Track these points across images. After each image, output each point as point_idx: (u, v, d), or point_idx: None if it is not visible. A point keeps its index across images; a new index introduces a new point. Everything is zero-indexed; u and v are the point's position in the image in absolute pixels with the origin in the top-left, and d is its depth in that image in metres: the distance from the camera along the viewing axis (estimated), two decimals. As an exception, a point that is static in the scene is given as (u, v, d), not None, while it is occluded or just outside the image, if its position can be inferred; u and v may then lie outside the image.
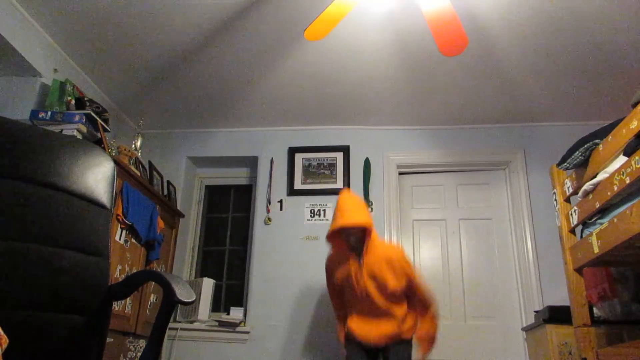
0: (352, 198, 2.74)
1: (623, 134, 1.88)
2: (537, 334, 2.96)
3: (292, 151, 4.00)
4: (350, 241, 2.65)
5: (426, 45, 2.97)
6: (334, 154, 3.95)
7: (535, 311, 3.17)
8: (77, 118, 2.79)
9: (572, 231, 2.37)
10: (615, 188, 1.86)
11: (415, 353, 2.71)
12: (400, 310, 2.68)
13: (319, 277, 3.59)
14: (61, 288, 1.36)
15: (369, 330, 2.66)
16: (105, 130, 2.99)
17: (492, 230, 3.77)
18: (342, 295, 2.82)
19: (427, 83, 3.41)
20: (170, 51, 3.14)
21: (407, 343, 2.72)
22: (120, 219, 2.82)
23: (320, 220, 3.76)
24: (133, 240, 3.00)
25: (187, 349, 3.52)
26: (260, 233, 3.80)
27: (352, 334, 2.70)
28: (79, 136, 2.77)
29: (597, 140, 2.09)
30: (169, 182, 3.85)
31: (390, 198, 3.78)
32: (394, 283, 2.60)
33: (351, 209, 2.63)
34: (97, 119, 2.93)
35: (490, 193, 3.88)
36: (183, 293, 1.27)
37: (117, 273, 2.81)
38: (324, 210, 3.79)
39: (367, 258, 2.63)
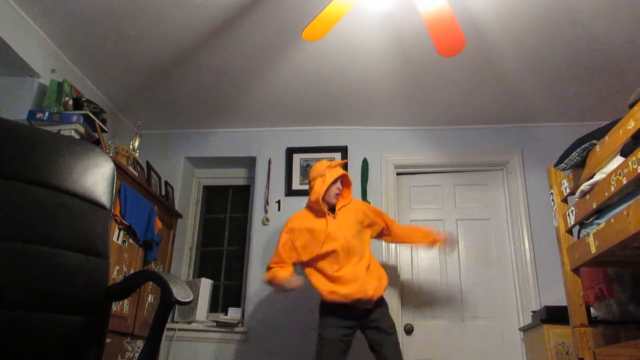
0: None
1: (620, 135, 1.89)
2: (535, 334, 2.97)
3: (290, 152, 4.00)
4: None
5: (424, 45, 2.97)
6: (332, 154, 3.95)
7: (532, 311, 3.18)
8: (74, 118, 2.78)
9: (570, 231, 2.38)
10: (612, 188, 1.87)
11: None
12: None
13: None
14: (60, 288, 1.36)
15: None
16: (103, 130, 2.99)
17: (490, 231, 3.77)
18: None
19: (424, 84, 3.42)
20: (168, 51, 3.14)
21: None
22: (118, 220, 2.81)
23: (318, 220, 3.76)
24: (131, 241, 2.99)
25: (185, 349, 3.52)
26: (258, 233, 3.79)
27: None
28: (77, 136, 2.76)
29: (594, 141, 2.10)
30: (166, 183, 3.85)
31: (388, 198, 3.79)
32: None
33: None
34: (95, 119, 2.93)
35: (488, 193, 3.88)
36: (181, 293, 1.27)
37: (115, 273, 2.80)
38: (322, 211, 3.79)
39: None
